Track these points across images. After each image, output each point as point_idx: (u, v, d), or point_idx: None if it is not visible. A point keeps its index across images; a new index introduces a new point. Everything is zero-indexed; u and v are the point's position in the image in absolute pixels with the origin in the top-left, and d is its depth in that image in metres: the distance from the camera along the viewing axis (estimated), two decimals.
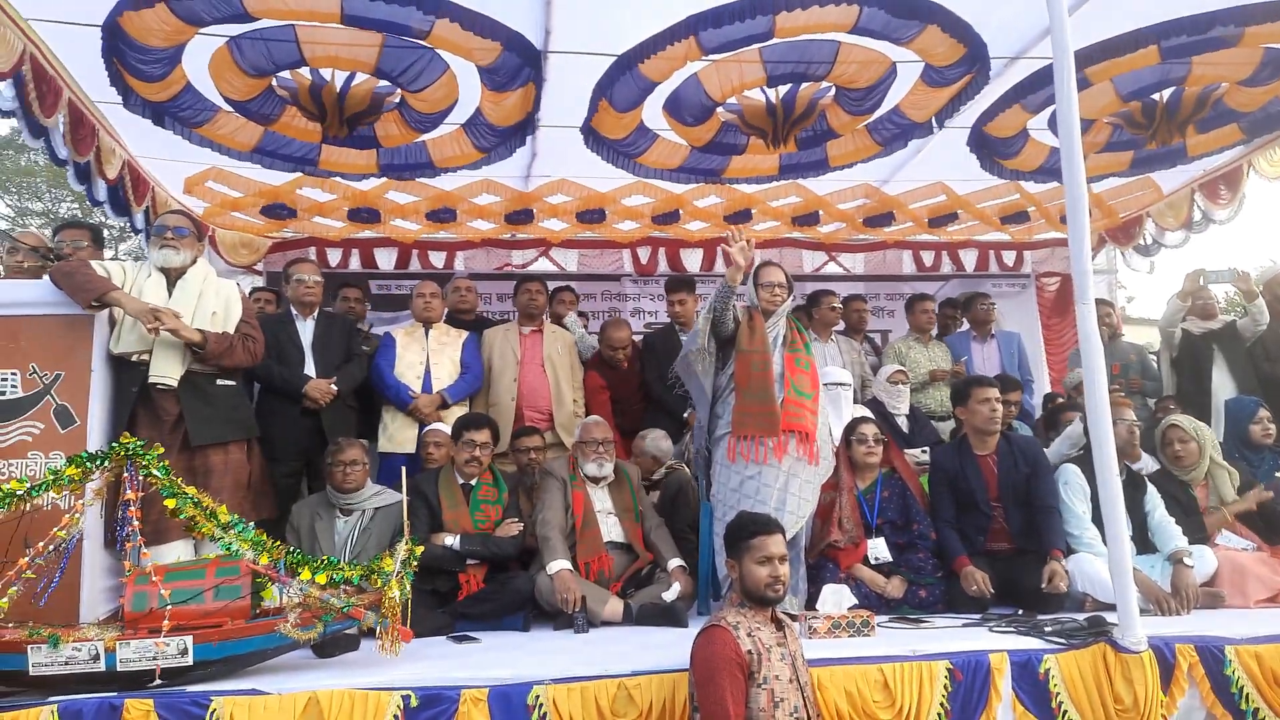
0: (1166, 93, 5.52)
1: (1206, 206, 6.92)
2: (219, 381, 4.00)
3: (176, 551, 3.66)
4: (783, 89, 5.18)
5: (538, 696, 3.00)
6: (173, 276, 3.99)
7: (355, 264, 7.49)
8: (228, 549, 3.16)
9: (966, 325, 6.72)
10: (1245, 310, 5.84)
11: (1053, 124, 5.87)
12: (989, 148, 6.11)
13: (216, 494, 3.63)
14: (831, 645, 3.42)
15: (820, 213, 7.21)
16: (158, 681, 2.94)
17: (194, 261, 4.04)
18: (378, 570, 3.21)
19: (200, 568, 3.16)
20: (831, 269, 8.25)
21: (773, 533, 2.97)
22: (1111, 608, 3.81)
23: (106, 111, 5.08)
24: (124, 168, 5.59)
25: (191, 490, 3.23)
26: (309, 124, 5.21)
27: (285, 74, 4.79)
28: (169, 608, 3.00)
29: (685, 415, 5.49)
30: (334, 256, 7.48)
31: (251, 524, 3.28)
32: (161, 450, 3.26)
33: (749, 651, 2.76)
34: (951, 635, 3.57)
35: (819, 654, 3.25)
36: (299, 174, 6.02)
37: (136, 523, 3.14)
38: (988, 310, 6.64)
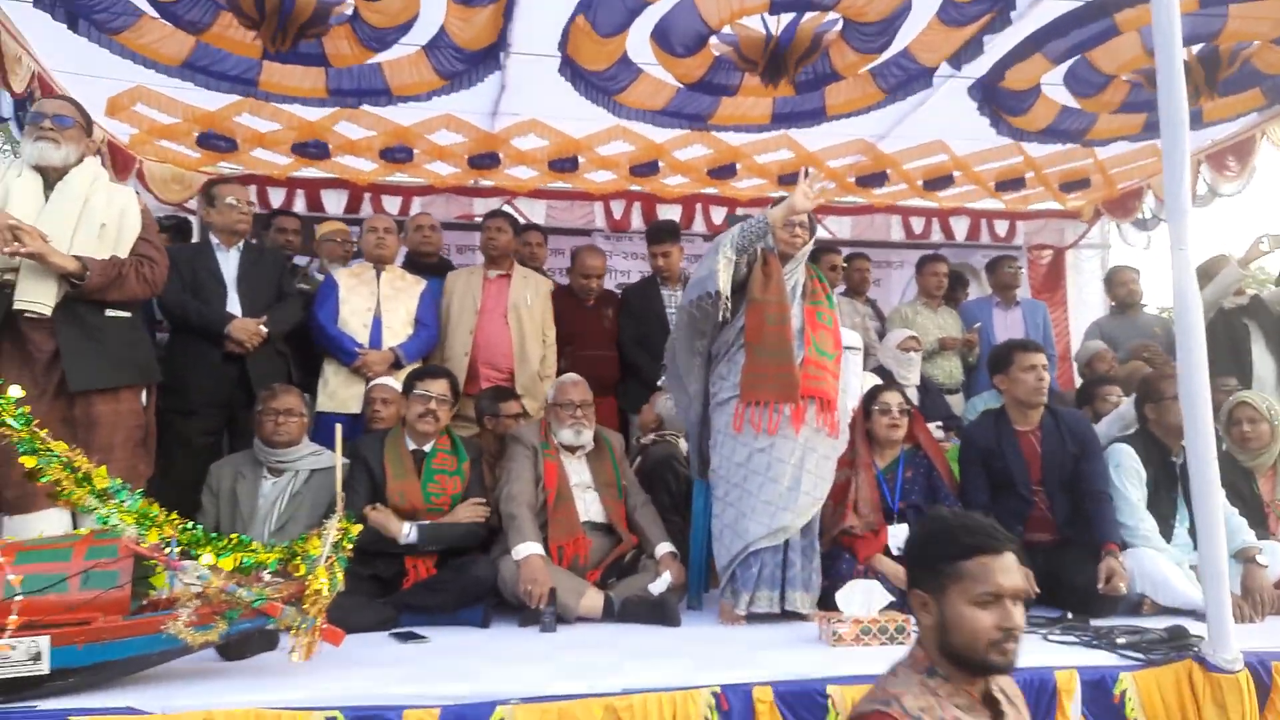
0: (1195, 48, 5.01)
1: (1213, 179, 6.42)
2: (108, 312, 3.21)
3: (47, 522, 2.89)
4: (785, 17, 4.57)
5: (502, 719, 2.38)
6: (51, 178, 3.19)
7: (300, 206, 6.73)
8: (104, 522, 2.44)
9: (990, 291, 6.20)
10: None
11: (1069, 79, 5.43)
12: (997, 101, 5.57)
13: (104, 451, 2.92)
14: (860, 655, 2.85)
15: (809, 170, 6.67)
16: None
17: (80, 160, 3.24)
18: (301, 554, 2.54)
19: (66, 547, 2.44)
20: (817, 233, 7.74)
21: (1002, 551, 1.82)
22: (1174, 612, 3.35)
23: (10, 11, 4.25)
24: (34, 80, 4.72)
25: (60, 447, 2.50)
26: (247, 35, 4.47)
27: None
28: (19, 598, 2.30)
29: (659, 384, 4.90)
30: (276, 197, 6.72)
31: (139, 491, 2.57)
32: (23, 394, 2.52)
33: None
34: None
35: (843, 666, 2.68)
36: (238, 98, 5.26)
37: None
38: (1014, 274, 6.12)
